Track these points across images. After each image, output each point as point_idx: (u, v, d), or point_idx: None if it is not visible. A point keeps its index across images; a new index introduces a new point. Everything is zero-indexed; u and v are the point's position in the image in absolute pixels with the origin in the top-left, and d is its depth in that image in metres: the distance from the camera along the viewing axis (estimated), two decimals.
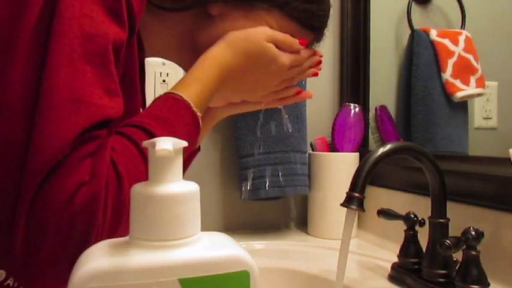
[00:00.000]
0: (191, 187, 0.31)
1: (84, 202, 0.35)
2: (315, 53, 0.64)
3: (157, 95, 0.95)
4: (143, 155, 0.40)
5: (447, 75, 0.88)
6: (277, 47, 0.57)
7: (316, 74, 0.66)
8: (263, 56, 0.56)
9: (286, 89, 0.65)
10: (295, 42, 0.58)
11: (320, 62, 0.66)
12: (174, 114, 0.46)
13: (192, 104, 0.47)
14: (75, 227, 0.35)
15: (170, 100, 0.47)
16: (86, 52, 0.39)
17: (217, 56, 0.53)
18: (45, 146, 0.35)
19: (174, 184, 0.30)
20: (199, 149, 0.62)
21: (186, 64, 0.58)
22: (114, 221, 0.37)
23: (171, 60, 0.64)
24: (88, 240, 0.35)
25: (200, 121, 0.48)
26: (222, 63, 0.53)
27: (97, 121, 0.38)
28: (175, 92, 0.47)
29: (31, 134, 0.36)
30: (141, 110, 0.55)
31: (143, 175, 0.38)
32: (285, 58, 0.58)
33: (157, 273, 0.29)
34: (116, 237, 0.34)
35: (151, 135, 0.41)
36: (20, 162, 0.36)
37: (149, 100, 0.92)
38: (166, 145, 0.29)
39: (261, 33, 0.56)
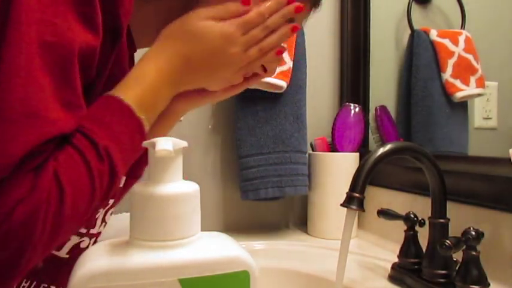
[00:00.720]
0: (191, 187, 0.31)
1: (22, 218, 0.34)
2: (288, 1, 0.52)
3: None
4: (87, 165, 0.38)
5: (447, 75, 0.88)
6: (216, 19, 0.50)
7: (295, 29, 0.54)
8: (198, 36, 0.49)
9: (262, 57, 0.54)
10: (231, 4, 0.50)
11: (299, 10, 0.53)
12: (116, 119, 0.43)
13: (133, 108, 0.44)
14: (9, 242, 0.34)
15: (112, 103, 0.44)
16: (44, 62, 0.37)
17: (151, 54, 0.49)
18: None
19: (174, 184, 0.30)
20: (141, 175, 0.58)
21: None
22: (53, 232, 0.36)
23: None
24: (21, 254, 0.35)
25: (144, 125, 0.45)
26: (157, 61, 0.49)
27: (49, 138, 0.36)
28: (116, 95, 0.44)
29: None
30: None
31: (86, 186, 0.37)
32: (227, 25, 0.50)
33: (157, 273, 0.29)
34: (53, 245, 0.35)
35: (95, 144, 0.39)
36: None
37: None
38: (166, 145, 0.29)
39: (194, 15, 0.50)
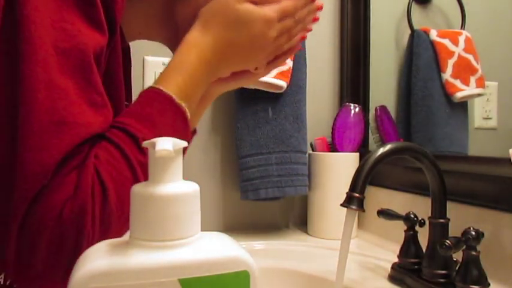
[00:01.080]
0: (191, 187, 0.31)
1: (71, 216, 0.35)
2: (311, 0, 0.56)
3: None
4: (127, 159, 0.39)
5: (447, 75, 0.88)
6: (254, 2, 0.51)
7: (316, 19, 0.58)
8: (241, 21, 0.50)
9: (288, 43, 0.57)
10: None
11: (320, 8, 0.58)
12: (156, 110, 0.44)
13: (174, 96, 0.45)
14: (65, 242, 0.36)
15: (151, 95, 0.45)
16: (64, 69, 0.37)
17: (193, 41, 0.50)
18: (29, 174, 0.35)
19: (174, 184, 0.30)
20: (195, 131, 0.59)
21: (171, 42, 0.56)
22: (103, 228, 0.37)
23: (155, 40, 0.61)
24: (79, 249, 0.35)
25: (186, 112, 0.46)
26: (200, 48, 0.49)
27: (82, 140, 0.37)
28: (156, 86, 0.45)
29: (13, 161, 0.35)
30: (125, 104, 0.54)
31: (128, 179, 0.38)
32: (268, 10, 0.51)
33: (157, 273, 0.28)
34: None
35: (133, 137, 0.40)
36: (4, 188, 0.36)
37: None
38: (166, 145, 0.29)
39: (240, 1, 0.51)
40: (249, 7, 0.51)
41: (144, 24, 0.56)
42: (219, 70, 0.52)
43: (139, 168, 0.39)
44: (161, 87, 0.45)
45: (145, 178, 0.38)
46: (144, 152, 0.39)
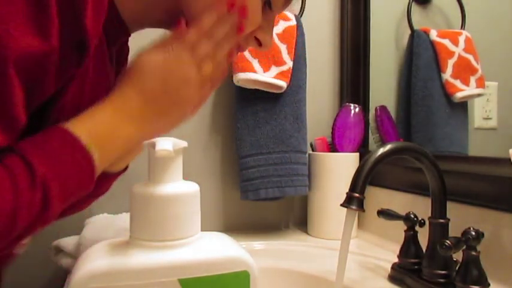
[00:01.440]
0: (191, 187, 0.31)
1: None
2: (229, 7, 0.49)
3: None
4: (14, 185, 0.36)
5: (447, 75, 0.88)
6: (160, 50, 0.48)
7: (241, 30, 0.51)
8: (149, 69, 0.48)
9: (219, 67, 0.52)
10: (170, 33, 0.50)
11: (244, 12, 0.50)
12: (60, 149, 0.40)
13: (81, 139, 0.41)
14: None
15: (59, 131, 0.42)
16: None
17: (111, 93, 0.47)
18: None
19: (174, 184, 0.30)
20: (126, 168, 0.57)
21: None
22: None
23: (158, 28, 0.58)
24: None
25: (92, 158, 0.42)
26: (114, 97, 0.47)
27: None
28: (65, 126, 0.42)
29: None
30: None
31: (5, 210, 0.35)
32: (171, 52, 0.48)
33: (157, 273, 0.29)
34: None
35: (29, 166, 0.37)
36: None
37: None
38: (166, 145, 0.29)
39: (141, 52, 0.49)
40: (151, 56, 0.48)
41: (149, 13, 0.53)
42: (145, 122, 0.48)
43: (24, 202, 0.36)
44: (71, 128, 0.42)
45: (29, 215, 0.35)
46: (35, 188, 0.36)
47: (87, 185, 0.42)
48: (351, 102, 0.97)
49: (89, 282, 0.28)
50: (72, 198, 0.40)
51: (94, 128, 0.43)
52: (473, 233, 0.53)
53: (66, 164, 0.40)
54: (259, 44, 0.56)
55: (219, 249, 0.31)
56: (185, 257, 0.30)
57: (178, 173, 0.31)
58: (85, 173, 0.41)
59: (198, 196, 0.31)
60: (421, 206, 0.66)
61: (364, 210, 0.53)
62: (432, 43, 0.90)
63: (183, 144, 0.31)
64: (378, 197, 0.89)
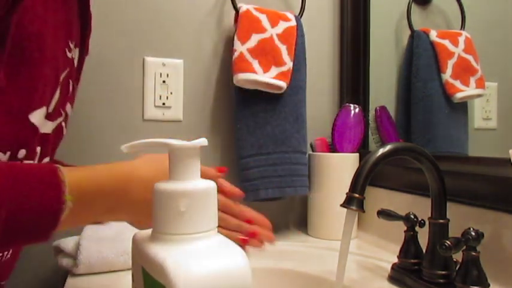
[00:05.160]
0: (210, 184, 0.33)
1: None
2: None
3: (157, 96, 0.95)
4: None
5: (447, 75, 0.88)
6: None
7: (245, 241, 0.58)
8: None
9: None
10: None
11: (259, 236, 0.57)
12: (37, 185, 0.39)
13: (64, 183, 0.40)
14: None
15: (48, 170, 0.41)
16: None
17: (126, 165, 0.48)
18: None
19: (194, 182, 0.32)
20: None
21: None
22: None
23: None
24: None
25: (65, 202, 0.40)
26: (126, 173, 0.47)
27: None
28: (60, 167, 0.42)
29: None
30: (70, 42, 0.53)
31: None
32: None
33: None
34: None
35: None
36: None
37: (147, 95, 0.92)
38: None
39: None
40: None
41: None
42: (119, 211, 0.48)
43: None
44: (63, 171, 0.41)
45: None
46: None
47: (46, 225, 0.39)
48: (351, 103, 0.97)
49: None
50: (19, 236, 0.38)
51: (83, 183, 0.43)
52: (473, 233, 0.53)
53: (32, 196, 0.38)
54: None
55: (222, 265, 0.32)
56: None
57: (197, 171, 0.33)
58: (48, 213, 0.39)
59: (216, 193, 0.33)
60: (421, 207, 0.66)
61: (364, 211, 0.53)
62: (432, 43, 0.90)
63: (205, 142, 0.33)
64: (378, 198, 0.89)
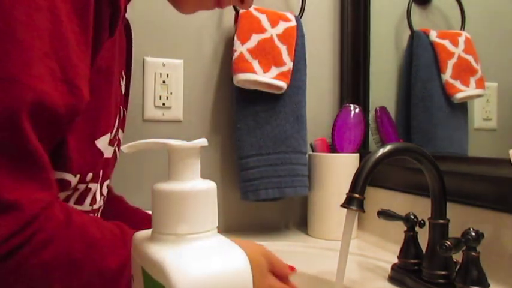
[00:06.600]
0: (210, 184, 0.33)
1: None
2: None
3: (157, 96, 0.95)
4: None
5: (447, 76, 0.88)
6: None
7: None
8: (257, 267, 0.52)
9: None
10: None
11: None
12: (111, 250, 0.41)
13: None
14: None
15: (120, 232, 0.43)
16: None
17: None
18: None
19: (194, 182, 0.32)
20: None
21: None
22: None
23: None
24: None
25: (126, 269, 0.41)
26: None
27: (26, 101, 0.35)
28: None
29: None
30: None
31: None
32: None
33: None
34: None
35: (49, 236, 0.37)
36: None
37: (147, 95, 0.92)
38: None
39: (257, 247, 0.55)
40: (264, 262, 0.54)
41: None
42: None
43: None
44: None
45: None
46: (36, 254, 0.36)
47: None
48: (351, 103, 0.97)
49: None
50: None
51: None
52: (473, 234, 0.53)
53: (92, 274, 0.39)
54: (242, 1, 0.60)
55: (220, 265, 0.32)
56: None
57: (196, 171, 0.33)
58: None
59: (215, 193, 0.33)
60: (421, 207, 0.66)
61: (364, 211, 0.53)
62: (432, 44, 0.90)
63: (205, 143, 0.33)
64: (378, 198, 0.89)
